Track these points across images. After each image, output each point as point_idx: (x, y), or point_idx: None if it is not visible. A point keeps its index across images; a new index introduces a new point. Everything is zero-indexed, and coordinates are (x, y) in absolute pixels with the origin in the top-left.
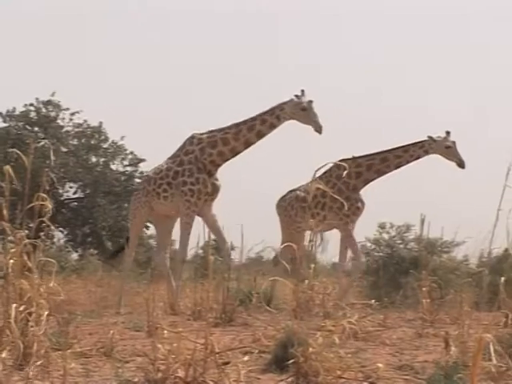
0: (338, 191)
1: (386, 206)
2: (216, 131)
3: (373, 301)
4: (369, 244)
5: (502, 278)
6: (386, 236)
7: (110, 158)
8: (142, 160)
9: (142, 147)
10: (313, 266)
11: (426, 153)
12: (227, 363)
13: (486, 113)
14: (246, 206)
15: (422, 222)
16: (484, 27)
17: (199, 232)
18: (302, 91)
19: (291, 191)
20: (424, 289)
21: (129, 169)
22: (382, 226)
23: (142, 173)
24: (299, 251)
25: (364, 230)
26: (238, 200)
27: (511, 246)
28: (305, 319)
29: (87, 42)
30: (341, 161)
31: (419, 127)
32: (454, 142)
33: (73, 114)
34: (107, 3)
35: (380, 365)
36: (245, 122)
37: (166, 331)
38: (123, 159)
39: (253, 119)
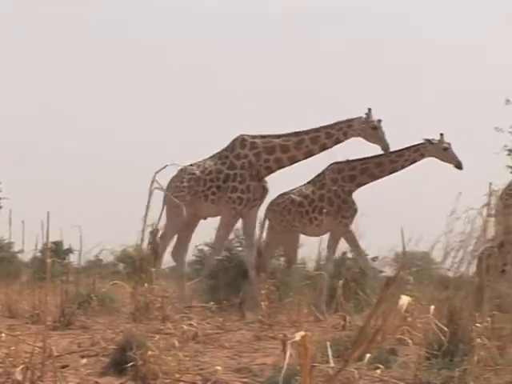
0: (335, 195)
1: None
2: (271, 137)
3: (212, 303)
4: (207, 248)
5: (340, 282)
6: None
7: None
8: None
9: None
10: (153, 269)
11: (422, 156)
12: (65, 366)
13: None
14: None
15: (262, 225)
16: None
17: (37, 234)
18: (370, 109)
19: (282, 195)
20: (263, 291)
21: None
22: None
23: None
24: (293, 254)
25: (201, 234)
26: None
27: (349, 250)
28: (144, 322)
29: None
30: (335, 163)
31: (419, 127)
32: (449, 144)
33: None
34: None
35: (218, 367)
36: (306, 132)
37: (3, 334)
38: None
39: (316, 131)
